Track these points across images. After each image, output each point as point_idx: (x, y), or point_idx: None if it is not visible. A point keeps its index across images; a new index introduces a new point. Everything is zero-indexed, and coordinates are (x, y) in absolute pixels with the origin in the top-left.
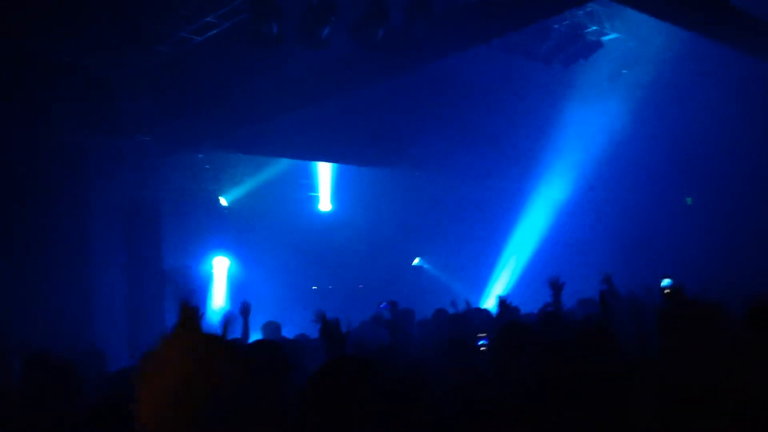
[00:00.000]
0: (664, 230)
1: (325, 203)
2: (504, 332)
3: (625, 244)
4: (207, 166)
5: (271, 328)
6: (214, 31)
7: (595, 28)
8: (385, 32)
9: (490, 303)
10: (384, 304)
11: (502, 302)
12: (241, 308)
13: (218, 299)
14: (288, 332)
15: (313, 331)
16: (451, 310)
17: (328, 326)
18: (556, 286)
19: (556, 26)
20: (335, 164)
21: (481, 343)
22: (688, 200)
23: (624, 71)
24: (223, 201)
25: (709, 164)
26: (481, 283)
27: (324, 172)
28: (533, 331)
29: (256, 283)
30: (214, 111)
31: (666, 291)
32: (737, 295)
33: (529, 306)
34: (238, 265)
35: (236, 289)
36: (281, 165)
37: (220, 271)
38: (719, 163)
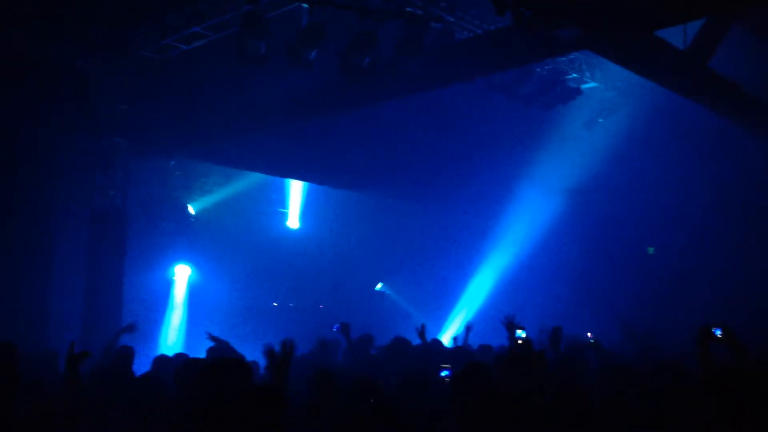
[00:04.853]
0: (623, 278)
1: (293, 220)
2: (464, 375)
3: (585, 288)
4: (178, 173)
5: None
6: (201, 42)
7: (575, 75)
8: (372, 60)
9: (449, 334)
10: (336, 326)
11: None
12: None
13: (177, 308)
14: (244, 347)
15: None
16: (415, 339)
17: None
18: (512, 327)
19: (539, 70)
20: (306, 183)
21: (443, 374)
22: (650, 250)
23: (600, 120)
24: (191, 209)
25: (673, 217)
26: (441, 314)
27: (295, 189)
28: (491, 375)
29: (217, 295)
30: (192, 120)
31: (519, 341)
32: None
33: (489, 339)
34: (199, 275)
35: (196, 298)
36: (252, 178)
37: (180, 280)
38: (683, 217)
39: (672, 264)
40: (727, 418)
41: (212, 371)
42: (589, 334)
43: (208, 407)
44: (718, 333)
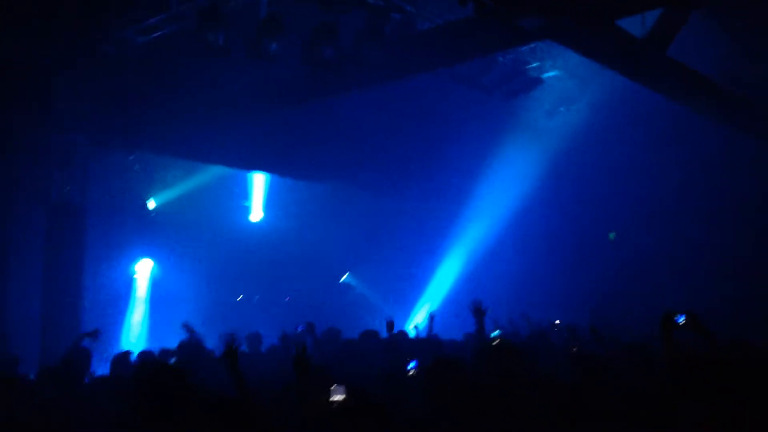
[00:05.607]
0: (589, 264)
1: (256, 213)
2: (436, 369)
3: (547, 275)
4: (137, 167)
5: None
6: (158, 34)
7: (536, 64)
8: (333, 51)
9: (413, 324)
10: (301, 326)
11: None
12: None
13: (139, 304)
14: (209, 342)
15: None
16: (383, 331)
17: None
18: (479, 312)
19: (501, 59)
20: (269, 174)
21: (410, 367)
22: (611, 235)
23: (561, 108)
24: (152, 204)
25: (636, 203)
26: (408, 304)
27: (258, 182)
28: (464, 367)
29: (180, 290)
30: (151, 113)
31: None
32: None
33: (456, 328)
34: (162, 270)
35: (158, 294)
36: (214, 171)
37: (142, 276)
38: (645, 203)
39: (637, 249)
40: (692, 402)
41: (144, 379)
42: (557, 322)
43: (161, 411)
44: (681, 320)
